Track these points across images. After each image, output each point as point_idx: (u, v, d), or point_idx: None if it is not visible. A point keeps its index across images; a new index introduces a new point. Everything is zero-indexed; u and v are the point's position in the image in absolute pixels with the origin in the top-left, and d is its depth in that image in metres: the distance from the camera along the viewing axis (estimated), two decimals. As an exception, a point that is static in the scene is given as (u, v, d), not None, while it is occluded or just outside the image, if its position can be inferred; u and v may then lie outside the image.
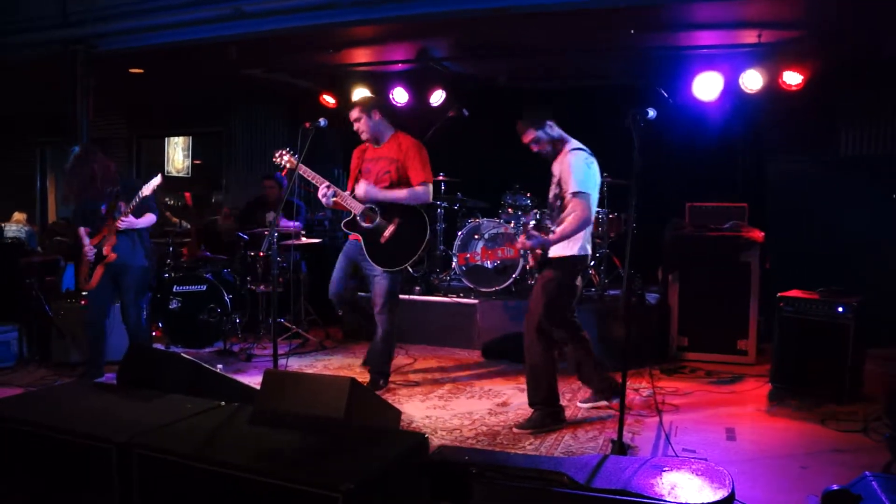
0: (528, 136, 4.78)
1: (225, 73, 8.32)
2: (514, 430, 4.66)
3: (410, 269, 6.90)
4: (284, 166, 5.55)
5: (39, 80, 8.51)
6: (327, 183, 5.46)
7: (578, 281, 4.91)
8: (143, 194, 5.65)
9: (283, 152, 5.55)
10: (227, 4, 6.24)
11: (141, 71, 8.29)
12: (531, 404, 4.74)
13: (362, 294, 6.33)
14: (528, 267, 6.91)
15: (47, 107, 10.09)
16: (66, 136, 6.99)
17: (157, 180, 5.71)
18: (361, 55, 7.88)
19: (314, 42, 7.13)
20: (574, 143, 4.78)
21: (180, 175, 12.25)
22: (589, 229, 4.69)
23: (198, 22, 6.42)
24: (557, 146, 4.77)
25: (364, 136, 5.59)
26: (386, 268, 5.43)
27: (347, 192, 5.54)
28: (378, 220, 5.48)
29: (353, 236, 5.56)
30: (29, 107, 10.61)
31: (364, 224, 5.49)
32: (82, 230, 5.81)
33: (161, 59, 7.43)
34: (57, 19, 6.84)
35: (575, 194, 4.52)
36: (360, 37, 7.02)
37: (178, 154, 12.32)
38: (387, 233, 5.45)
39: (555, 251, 4.67)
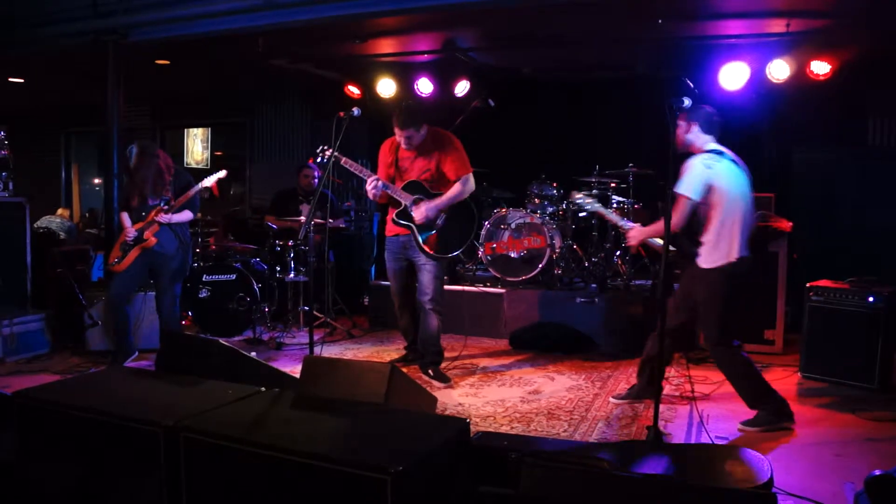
0: (687, 122, 4.70)
1: (251, 64, 8.37)
2: (739, 426, 4.54)
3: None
4: (327, 162, 5.46)
5: (67, 69, 8.59)
6: (374, 176, 5.51)
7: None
8: (205, 185, 5.90)
9: (326, 148, 5.54)
10: (258, -6, 6.28)
11: (167, 62, 8.34)
12: (751, 406, 4.63)
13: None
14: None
15: (73, 95, 10.22)
16: (96, 125, 7.07)
17: (221, 174, 5.99)
18: (387, 45, 7.89)
19: (341, 32, 7.14)
20: (712, 148, 4.63)
21: (199, 166, 12.30)
22: (735, 230, 4.51)
23: (228, 12, 6.43)
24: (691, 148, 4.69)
25: (405, 146, 5.58)
26: (439, 254, 5.50)
27: (398, 186, 5.58)
28: None
29: (402, 230, 5.60)
30: (55, 95, 10.70)
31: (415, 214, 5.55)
32: (125, 215, 6.00)
33: (189, 49, 7.46)
34: (87, 10, 6.89)
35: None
36: (386, 27, 7.03)
37: (196, 145, 12.37)
38: (439, 221, 5.54)
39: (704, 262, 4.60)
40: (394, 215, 5.63)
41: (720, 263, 4.49)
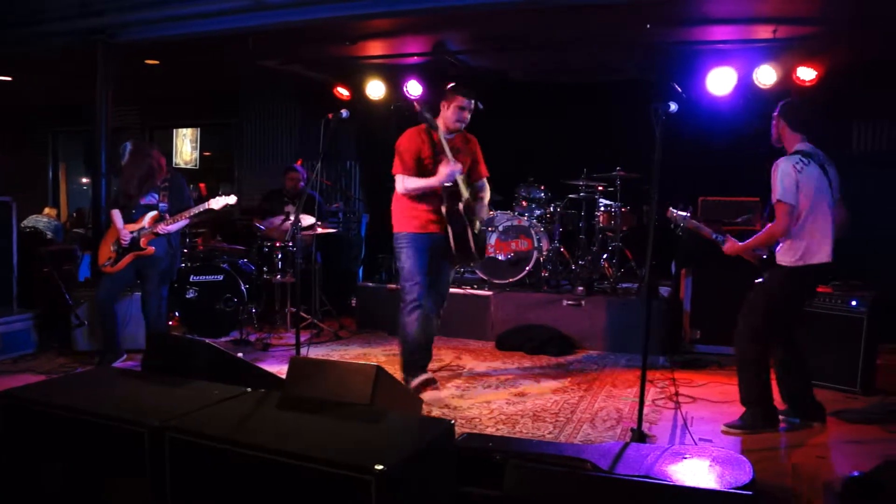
0: (778, 119, 4.65)
1: (240, 65, 8.36)
2: (722, 428, 4.53)
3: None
4: (421, 112, 5.29)
5: (55, 67, 8.56)
6: (458, 166, 5.18)
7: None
8: (211, 206, 5.89)
9: (419, 102, 5.35)
10: (249, -5, 6.29)
11: (157, 62, 8.33)
12: (743, 403, 4.58)
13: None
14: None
15: (61, 94, 10.18)
16: (84, 125, 7.06)
17: (231, 200, 6.04)
18: (377, 48, 7.91)
19: (331, 34, 7.15)
20: (800, 149, 4.55)
21: (188, 167, 12.29)
22: (814, 235, 4.48)
23: (219, 13, 6.43)
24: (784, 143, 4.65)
25: (459, 126, 5.37)
26: (470, 262, 5.36)
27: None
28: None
29: (436, 228, 5.24)
30: (43, 94, 10.66)
31: (462, 211, 5.26)
32: (116, 213, 5.95)
33: (179, 49, 7.45)
34: (77, 9, 6.88)
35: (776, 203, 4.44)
36: (377, 29, 7.06)
37: (185, 146, 12.35)
38: (474, 229, 5.32)
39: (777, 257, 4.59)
40: (460, 207, 5.21)
41: (790, 263, 4.47)
